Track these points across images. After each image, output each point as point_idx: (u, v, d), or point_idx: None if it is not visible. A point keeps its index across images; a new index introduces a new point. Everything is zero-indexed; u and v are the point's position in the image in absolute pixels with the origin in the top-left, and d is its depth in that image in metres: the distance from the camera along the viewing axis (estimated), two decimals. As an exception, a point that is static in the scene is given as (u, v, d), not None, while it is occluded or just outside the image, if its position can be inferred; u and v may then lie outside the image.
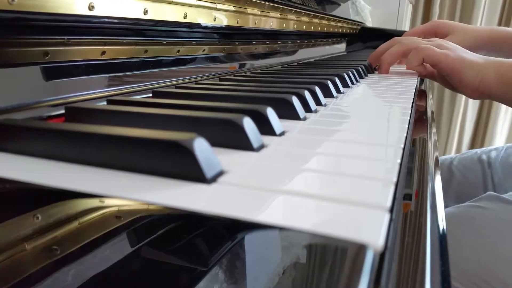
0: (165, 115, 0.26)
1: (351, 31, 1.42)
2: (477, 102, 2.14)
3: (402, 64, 0.81)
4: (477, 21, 2.01)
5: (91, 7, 0.32)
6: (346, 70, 0.61)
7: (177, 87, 0.43)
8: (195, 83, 0.47)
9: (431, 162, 0.28)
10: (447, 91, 2.14)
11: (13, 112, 0.26)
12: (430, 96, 0.62)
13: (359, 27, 1.51)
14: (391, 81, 0.66)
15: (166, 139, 0.19)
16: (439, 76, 0.71)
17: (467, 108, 2.16)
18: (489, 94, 0.59)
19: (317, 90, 0.41)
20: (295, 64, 0.82)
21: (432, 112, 0.47)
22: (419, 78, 0.72)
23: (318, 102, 0.40)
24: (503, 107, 2.05)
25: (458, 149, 2.21)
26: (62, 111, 0.29)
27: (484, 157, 0.81)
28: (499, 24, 2.03)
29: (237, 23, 0.59)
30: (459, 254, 0.52)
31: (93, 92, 0.33)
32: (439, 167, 0.28)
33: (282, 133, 0.28)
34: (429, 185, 0.23)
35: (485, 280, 0.48)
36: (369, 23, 1.73)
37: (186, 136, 0.19)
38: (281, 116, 0.30)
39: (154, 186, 0.18)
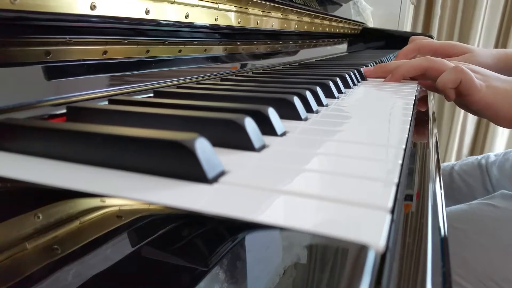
0: (166, 115, 0.26)
1: (353, 31, 1.42)
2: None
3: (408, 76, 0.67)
4: (478, 21, 2.01)
5: (92, 7, 0.32)
6: (348, 70, 0.61)
7: (178, 87, 0.43)
8: (197, 83, 0.47)
9: (432, 163, 0.28)
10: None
11: (14, 111, 0.26)
12: (432, 97, 0.62)
13: (360, 28, 1.51)
14: (393, 82, 0.65)
15: (168, 139, 0.19)
16: (457, 97, 0.59)
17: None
18: None
19: (319, 90, 0.41)
20: (297, 64, 0.82)
21: (433, 113, 0.47)
22: None
23: (319, 103, 0.40)
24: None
25: (459, 152, 2.20)
26: (64, 111, 0.29)
27: (483, 161, 0.81)
28: (501, 25, 2.03)
29: (239, 23, 0.59)
30: (470, 253, 0.51)
31: (95, 91, 0.33)
32: (440, 167, 0.28)
33: (283, 133, 0.28)
34: (430, 186, 0.23)
35: (494, 281, 0.48)
36: (371, 24, 1.73)
37: (188, 136, 0.19)
38: (282, 116, 0.30)
39: (155, 186, 0.18)
